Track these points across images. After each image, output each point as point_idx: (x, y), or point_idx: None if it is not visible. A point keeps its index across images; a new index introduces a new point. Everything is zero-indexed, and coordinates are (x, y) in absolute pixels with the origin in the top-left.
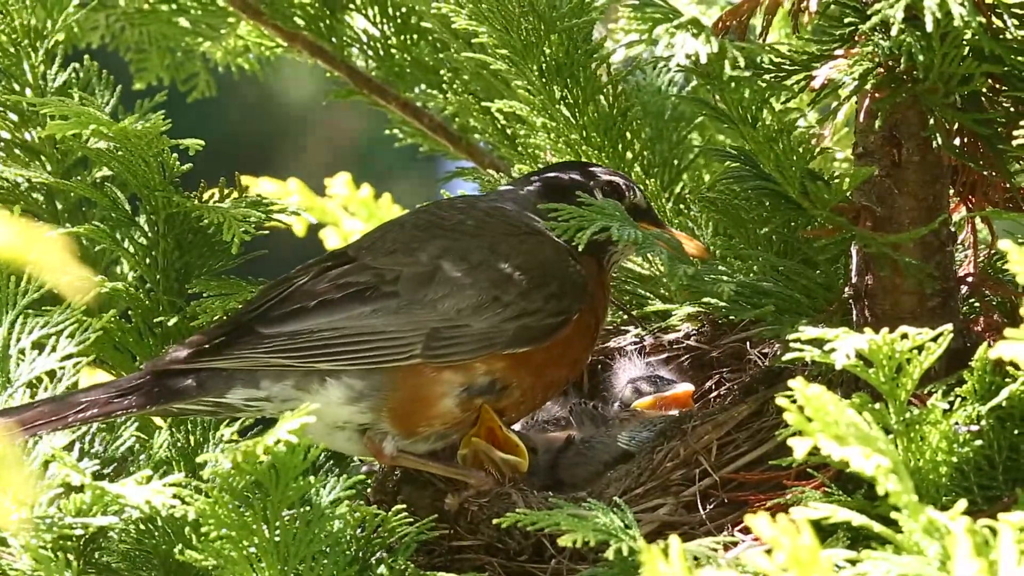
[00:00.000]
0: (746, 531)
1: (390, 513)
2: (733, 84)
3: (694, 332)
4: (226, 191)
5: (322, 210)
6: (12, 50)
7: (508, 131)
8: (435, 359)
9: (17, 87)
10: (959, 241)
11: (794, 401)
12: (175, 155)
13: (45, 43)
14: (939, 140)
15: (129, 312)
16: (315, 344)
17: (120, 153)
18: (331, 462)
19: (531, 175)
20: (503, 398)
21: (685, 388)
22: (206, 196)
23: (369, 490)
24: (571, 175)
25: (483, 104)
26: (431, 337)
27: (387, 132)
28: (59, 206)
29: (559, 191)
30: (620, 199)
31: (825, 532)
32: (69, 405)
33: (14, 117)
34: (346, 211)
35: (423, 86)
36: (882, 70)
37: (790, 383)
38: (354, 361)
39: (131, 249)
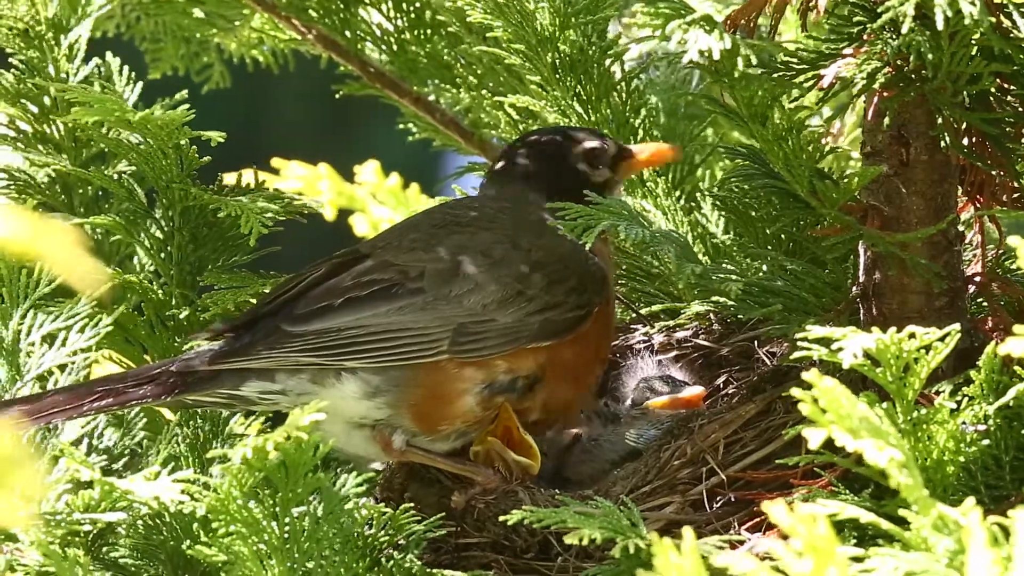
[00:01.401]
0: (753, 530)
1: (398, 511)
2: (744, 82)
3: (702, 330)
4: (243, 183)
5: (351, 196)
6: (36, 42)
7: (521, 126)
8: (462, 354)
9: (40, 79)
10: (967, 240)
11: (808, 392)
12: (194, 147)
13: (69, 36)
14: (947, 139)
15: (142, 305)
16: (343, 342)
17: (140, 144)
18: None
19: (503, 163)
20: (526, 399)
21: (697, 390)
22: (224, 189)
23: (376, 488)
24: (546, 159)
25: (496, 99)
26: (458, 332)
27: (400, 127)
28: (75, 199)
29: (547, 181)
30: (601, 160)
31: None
32: (84, 394)
33: (34, 109)
34: (374, 199)
35: (436, 81)
36: (891, 69)
37: (804, 375)
38: (382, 358)
39: (147, 242)
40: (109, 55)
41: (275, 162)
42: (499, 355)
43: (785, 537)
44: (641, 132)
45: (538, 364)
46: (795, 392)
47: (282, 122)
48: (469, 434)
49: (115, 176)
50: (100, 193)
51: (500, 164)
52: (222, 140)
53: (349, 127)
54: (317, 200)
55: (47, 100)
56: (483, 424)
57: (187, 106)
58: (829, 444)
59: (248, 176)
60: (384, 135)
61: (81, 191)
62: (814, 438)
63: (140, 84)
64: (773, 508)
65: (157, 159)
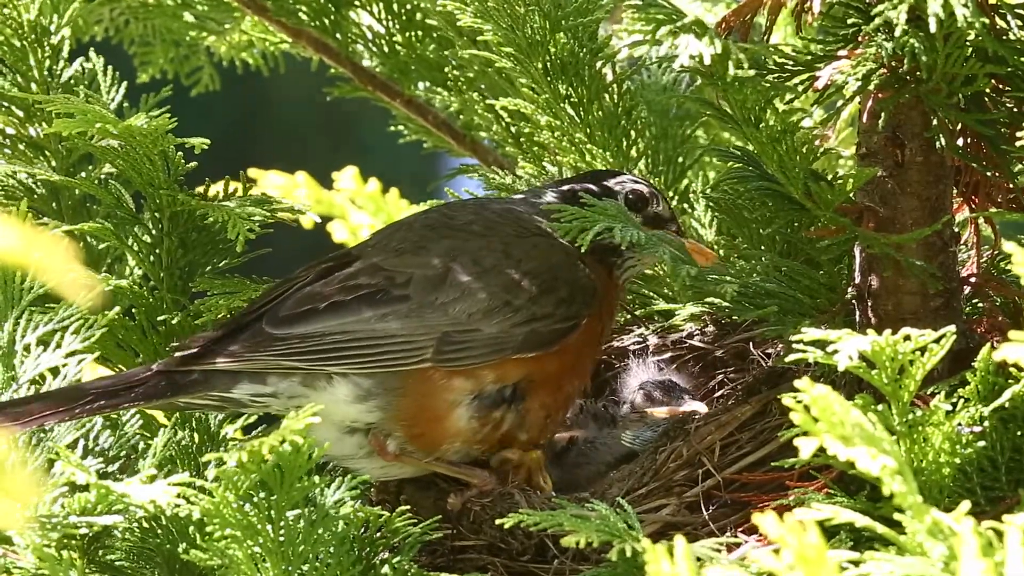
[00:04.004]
0: (749, 532)
1: (393, 514)
2: (737, 84)
3: (697, 332)
4: (231, 188)
5: (330, 203)
6: (19, 45)
7: (513, 129)
8: (445, 363)
9: (23, 83)
10: (962, 241)
11: (799, 401)
12: (180, 152)
13: (51, 38)
14: (942, 141)
15: (133, 310)
16: (325, 347)
17: (125, 150)
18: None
19: (559, 182)
20: (526, 414)
21: (698, 408)
22: (211, 194)
23: (372, 490)
24: (594, 182)
25: (488, 102)
26: (442, 341)
27: (391, 128)
28: (63, 203)
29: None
30: (642, 207)
31: (828, 533)
32: (76, 396)
33: (20, 113)
34: (353, 204)
35: (427, 83)
36: (885, 71)
37: (796, 383)
38: (364, 364)
39: (135, 247)
40: (93, 54)
41: (253, 172)
42: (485, 364)
43: (777, 551)
44: (633, 133)
45: (525, 373)
46: (786, 401)
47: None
48: (473, 453)
49: (102, 181)
50: (88, 196)
51: (565, 187)
52: (206, 147)
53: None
54: (284, 220)
55: (31, 102)
56: (488, 444)
57: (167, 111)
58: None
59: (230, 186)
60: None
61: (69, 195)
62: (806, 447)
63: (124, 85)
64: (763, 519)
65: (143, 165)
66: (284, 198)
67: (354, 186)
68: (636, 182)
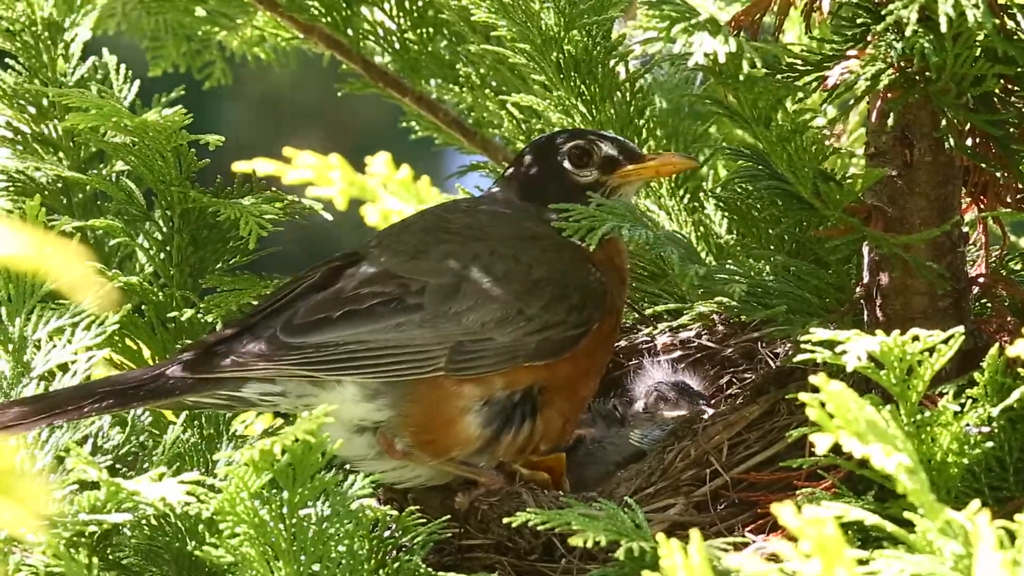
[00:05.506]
0: (757, 532)
1: (403, 513)
2: (749, 84)
3: (706, 331)
4: (244, 183)
5: (362, 186)
6: (32, 42)
7: (524, 126)
8: (458, 372)
9: (37, 80)
10: (971, 242)
11: (815, 397)
12: (192, 150)
13: (65, 35)
14: (951, 141)
15: (142, 307)
16: (340, 356)
17: (137, 147)
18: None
19: (509, 167)
20: (546, 424)
21: (707, 411)
22: (223, 190)
23: (380, 489)
24: (538, 158)
25: (499, 98)
26: (455, 351)
27: (403, 124)
28: (74, 200)
29: (535, 180)
30: (589, 160)
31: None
32: (86, 395)
33: (32, 109)
34: (385, 189)
35: (438, 80)
36: (894, 70)
37: (811, 379)
38: (378, 374)
39: (146, 244)
40: (106, 52)
41: (288, 151)
42: (496, 372)
43: (792, 539)
44: (645, 132)
45: (535, 379)
46: (802, 396)
47: None
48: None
49: (113, 178)
50: (99, 193)
51: (510, 169)
52: (221, 144)
53: None
54: (318, 200)
55: (45, 101)
56: (491, 449)
57: (181, 107)
58: (833, 446)
59: (264, 166)
60: None
61: (80, 192)
62: (821, 443)
63: (137, 83)
64: (782, 510)
65: (155, 161)
66: (315, 181)
67: (386, 171)
68: (574, 136)
